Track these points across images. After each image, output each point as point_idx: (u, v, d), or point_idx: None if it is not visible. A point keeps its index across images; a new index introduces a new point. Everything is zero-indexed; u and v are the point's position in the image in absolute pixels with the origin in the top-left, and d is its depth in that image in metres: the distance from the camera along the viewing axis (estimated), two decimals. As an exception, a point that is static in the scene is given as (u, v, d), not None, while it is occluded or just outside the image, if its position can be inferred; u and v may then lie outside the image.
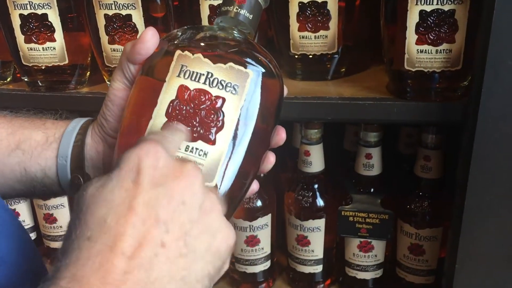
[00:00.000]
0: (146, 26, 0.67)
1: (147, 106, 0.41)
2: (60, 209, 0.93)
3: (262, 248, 0.85)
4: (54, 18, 0.70)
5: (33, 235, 1.00)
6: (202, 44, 0.43)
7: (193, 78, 0.41)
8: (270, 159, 0.47)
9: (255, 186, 0.47)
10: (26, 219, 0.97)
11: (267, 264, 0.88)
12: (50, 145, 0.50)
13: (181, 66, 0.41)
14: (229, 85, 0.41)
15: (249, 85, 0.41)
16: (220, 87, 0.41)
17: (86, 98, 0.74)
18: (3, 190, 0.51)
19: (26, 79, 0.76)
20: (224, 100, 0.41)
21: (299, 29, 0.68)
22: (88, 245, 0.31)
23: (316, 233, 0.82)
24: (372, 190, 0.79)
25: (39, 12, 0.69)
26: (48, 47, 0.71)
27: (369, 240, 0.80)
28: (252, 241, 0.84)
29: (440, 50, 0.57)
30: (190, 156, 0.40)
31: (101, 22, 0.68)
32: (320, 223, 0.82)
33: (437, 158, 0.74)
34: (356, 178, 0.79)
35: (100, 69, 0.74)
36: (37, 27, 0.70)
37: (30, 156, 0.49)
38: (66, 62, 0.73)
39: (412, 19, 0.56)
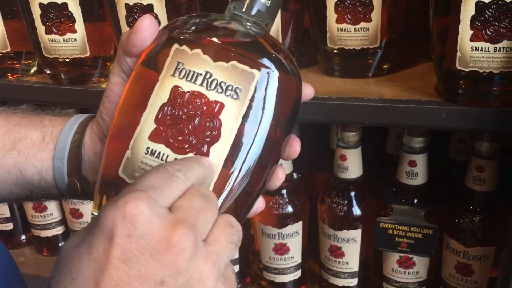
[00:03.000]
0: (168, 17, 0.62)
1: (138, 107, 0.36)
2: (87, 204, 0.90)
3: (292, 257, 0.79)
4: (74, 8, 0.65)
5: (61, 229, 0.98)
6: (203, 37, 0.36)
7: (189, 79, 0.35)
8: (279, 176, 0.40)
9: (260, 203, 0.40)
10: (54, 212, 0.95)
11: (297, 273, 0.82)
12: (47, 145, 0.45)
13: (177, 64, 0.35)
14: (229, 88, 0.34)
15: (255, 89, 0.34)
16: (219, 90, 0.34)
17: (108, 93, 0.70)
18: (1, 193, 0.47)
19: (48, 72, 0.73)
20: (222, 106, 0.34)
21: (337, 21, 0.61)
22: None
23: (351, 245, 0.75)
24: (415, 201, 0.71)
25: (59, 1, 0.65)
26: (69, 39, 0.68)
27: (410, 256, 0.73)
28: (281, 249, 0.78)
29: (499, 48, 0.48)
30: None
31: (121, 13, 0.63)
32: (356, 234, 0.74)
33: (491, 168, 0.65)
34: (397, 186, 0.72)
35: (122, 62, 0.70)
36: (57, 17, 0.66)
37: (26, 157, 0.45)
38: (88, 54, 0.69)
39: (467, 11, 0.48)
